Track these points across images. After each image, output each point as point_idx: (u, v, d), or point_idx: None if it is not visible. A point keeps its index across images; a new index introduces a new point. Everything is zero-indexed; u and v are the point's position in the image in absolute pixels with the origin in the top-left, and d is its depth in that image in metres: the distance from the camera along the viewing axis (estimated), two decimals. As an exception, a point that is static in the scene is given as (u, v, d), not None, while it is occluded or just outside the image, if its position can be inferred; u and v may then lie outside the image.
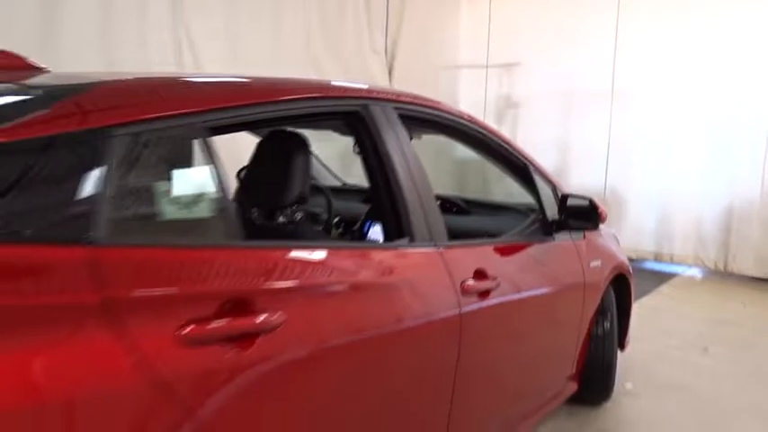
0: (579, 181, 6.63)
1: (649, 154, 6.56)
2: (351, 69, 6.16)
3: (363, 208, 2.80)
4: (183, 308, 1.13)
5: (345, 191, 3.39)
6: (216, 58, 4.81)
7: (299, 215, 1.94)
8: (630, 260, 3.52)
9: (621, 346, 3.31)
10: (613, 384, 3.19)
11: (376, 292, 1.62)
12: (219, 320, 1.17)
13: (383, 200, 1.82)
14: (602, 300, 2.94)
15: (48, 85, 1.26)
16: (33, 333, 0.95)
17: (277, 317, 1.27)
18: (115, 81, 1.32)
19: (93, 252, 1.04)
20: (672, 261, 6.64)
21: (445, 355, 1.82)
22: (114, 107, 1.18)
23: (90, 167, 1.08)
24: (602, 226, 2.95)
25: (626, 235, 6.09)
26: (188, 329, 1.11)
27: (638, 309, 3.79)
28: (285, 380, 1.30)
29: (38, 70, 1.54)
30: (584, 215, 2.54)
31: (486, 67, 7.50)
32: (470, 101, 7.29)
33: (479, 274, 1.94)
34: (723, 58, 6.08)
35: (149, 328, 1.07)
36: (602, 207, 2.66)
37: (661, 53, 6.40)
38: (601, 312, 2.95)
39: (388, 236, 1.84)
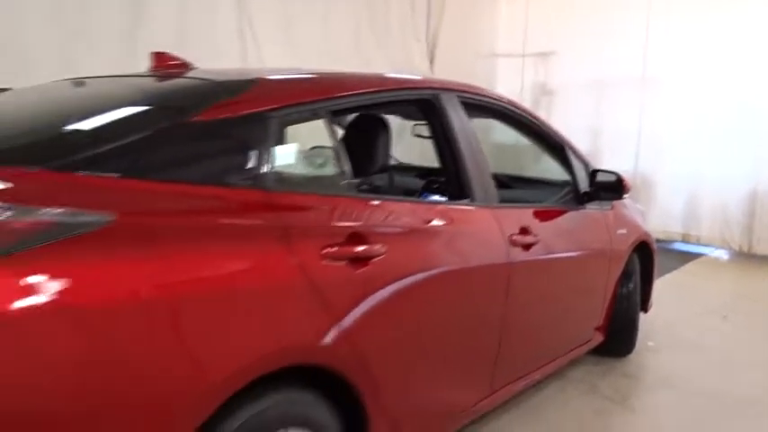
0: (610, 165, 6.67)
1: (678, 139, 6.87)
2: (395, 57, 6.54)
3: (418, 182, 3.26)
4: (323, 235, 1.62)
5: (401, 168, 3.85)
6: (276, 46, 5.24)
7: (365, 186, 2.38)
8: (659, 241, 3.88)
9: (645, 308, 3.72)
10: (636, 340, 3.62)
11: (447, 237, 2.10)
12: (346, 246, 1.66)
13: (450, 168, 2.28)
14: (627, 264, 3.36)
15: (221, 80, 1.73)
16: (237, 242, 1.44)
17: (379, 247, 1.75)
18: (266, 77, 1.81)
19: (268, 195, 1.54)
20: (699, 242, 6.96)
21: (497, 292, 2.28)
22: (273, 96, 1.67)
23: (264, 138, 1.58)
24: (629, 200, 3.38)
25: (655, 216, 6.44)
26: (326, 250, 1.60)
27: (663, 283, 4.14)
28: (387, 293, 1.78)
29: (189, 67, 2.03)
30: (611, 187, 2.99)
31: (523, 56, 7.84)
32: (507, 89, 7.58)
33: (524, 231, 2.41)
34: (749, 48, 6.36)
35: (304, 246, 1.56)
36: (626, 180, 3.09)
37: (690, 42, 6.69)
38: (625, 275, 3.38)
39: (452, 197, 2.31)
